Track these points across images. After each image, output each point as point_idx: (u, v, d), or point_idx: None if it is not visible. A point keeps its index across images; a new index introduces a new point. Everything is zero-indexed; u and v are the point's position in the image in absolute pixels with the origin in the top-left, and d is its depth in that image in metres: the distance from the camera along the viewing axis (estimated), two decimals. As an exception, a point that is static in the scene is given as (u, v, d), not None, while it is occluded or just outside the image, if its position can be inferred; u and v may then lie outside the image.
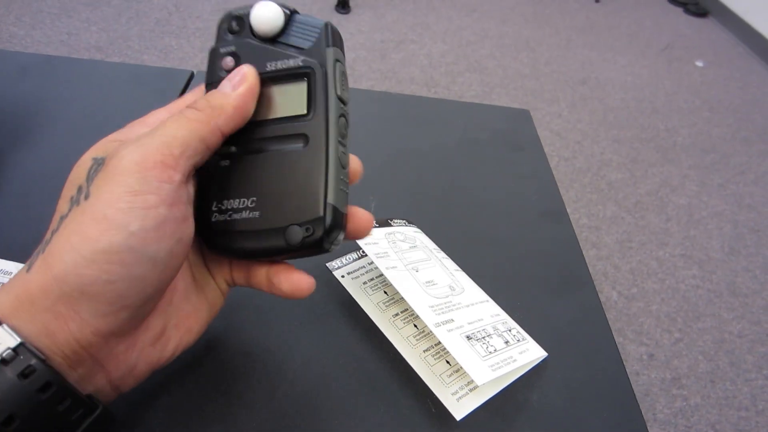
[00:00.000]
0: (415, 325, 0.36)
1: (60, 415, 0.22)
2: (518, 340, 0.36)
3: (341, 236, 0.27)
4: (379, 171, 0.49)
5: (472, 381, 0.32)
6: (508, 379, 0.34)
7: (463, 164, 0.54)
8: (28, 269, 0.23)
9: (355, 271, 0.40)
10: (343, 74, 0.28)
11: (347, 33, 2.35)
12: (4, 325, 0.21)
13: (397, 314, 0.37)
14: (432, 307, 0.35)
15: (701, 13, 3.19)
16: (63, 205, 0.24)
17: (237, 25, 0.29)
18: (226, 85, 0.27)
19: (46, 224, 0.25)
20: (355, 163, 0.29)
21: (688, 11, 3.21)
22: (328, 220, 0.26)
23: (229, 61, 0.28)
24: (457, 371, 0.34)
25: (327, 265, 0.39)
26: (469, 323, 0.35)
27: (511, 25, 2.71)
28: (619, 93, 2.34)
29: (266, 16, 0.28)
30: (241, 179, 0.27)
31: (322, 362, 0.34)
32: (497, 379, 0.33)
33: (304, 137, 0.27)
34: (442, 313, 0.34)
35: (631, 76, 2.48)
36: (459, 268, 0.40)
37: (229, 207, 0.27)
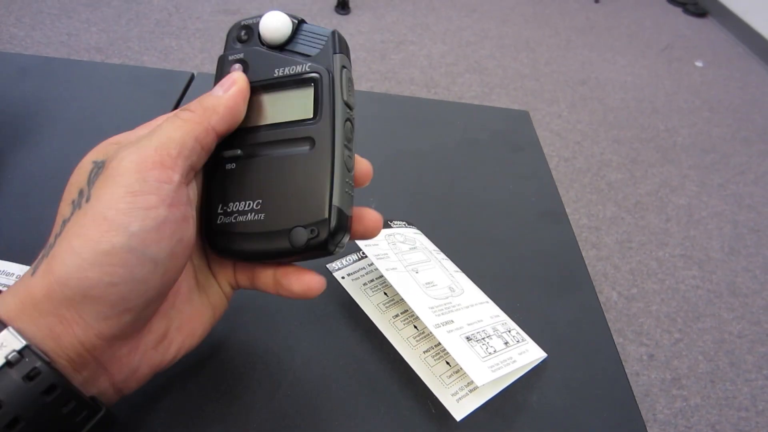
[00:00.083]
0: (415, 326, 0.37)
1: (64, 418, 0.22)
2: (518, 341, 0.36)
3: (346, 239, 0.27)
4: (379, 172, 0.49)
5: (472, 382, 0.32)
6: (507, 379, 0.35)
7: (462, 165, 0.54)
8: (33, 273, 0.23)
9: (355, 272, 0.40)
10: (350, 80, 0.29)
11: (347, 34, 2.35)
12: (10, 328, 0.21)
13: (397, 315, 0.37)
14: (432, 308, 0.35)
15: (701, 14, 3.19)
16: (65, 209, 0.24)
17: (246, 34, 0.30)
18: (217, 89, 0.27)
19: (46, 225, 0.25)
20: (365, 165, 0.29)
21: (687, 11, 3.21)
22: (333, 222, 0.26)
23: (237, 68, 0.29)
24: (457, 372, 0.34)
25: (327, 266, 0.39)
26: (468, 324, 0.35)
27: (510, 25, 2.71)
28: (618, 93, 2.34)
29: (275, 24, 0.28)
30: (246, 182, 0.27)
31: (323, 363, 0.34)
32: (497, 380, 0.33)
33: (311, 140, 0.27)
34: (442, 314, 0.35)
35: (631, 77, 2.48)
36: (459, 270, 0.41)
37: (234, 209, 0.27)
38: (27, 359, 0.21)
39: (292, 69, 0.28)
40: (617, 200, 1.78)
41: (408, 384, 0.34)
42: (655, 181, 1.90)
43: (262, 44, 0.29)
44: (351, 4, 2.51)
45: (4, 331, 0.21)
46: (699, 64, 2.69)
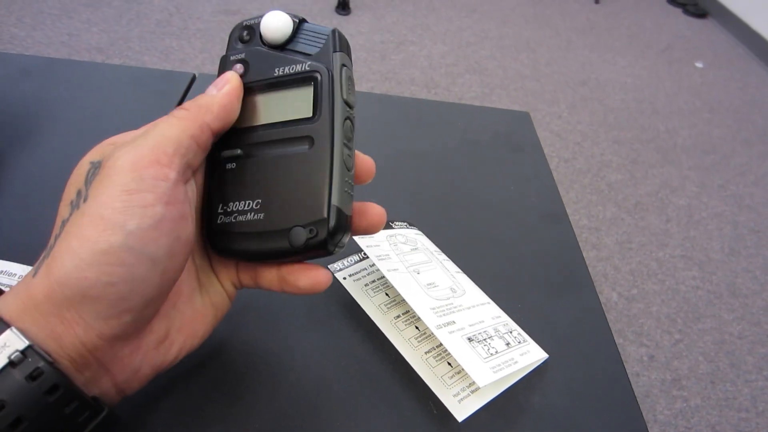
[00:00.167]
0: (417, 327, 0.37)
1: (67, 418, 0.22)
2: (519, 342, 0.36)
3: (346, 238, 0.27)
4: (379, 173, 0.49)
5: (474, 383, 0.32)
6: (509, 380, 0.35)
7: (463, 166, 0.54)
8: (34, 274, 0.23)
9: (356, 273, 0.40)
10: (350, 78, 0.29)
11: (347, 34, 2.33)
12: (13, 328, 0.21)
13: (398, 316, 0.37)
14: (433, 309, 0.35)
15: (701, 14, 3.19)
16: (64, 210, 0.24)
17: (248, 34, 0.30)
18: (211, 88, 0.28)
19: (47, 225, 0.25)
20: (368, 162, 0.29)
21: (687, 12, 3.21)
22: (332, 221, 0.26)
23: (238, 67, 0.29)
24: (458, 373, 0.34)
25: (329, 266, 0.39)
26: (470, 325, 0.35)
27: (511, 26, 2.71)
28: (619, 94, 2.34)
29: (275, 24, 0.29)
30: (246, 181, 0.27)
31: (324, 364, 0.34)
32: (499, 381, 0.33)
33: (310, 139, 0.27)
34: (444, 315, 0.35)
35: (631, 77, 2.48)
36: (460, 270, 0.41)
37: (234, 209, 0.27)
38: (30, 359, 0.21)
39: (292, 68, 0.28)
40: (617, 201, 1.78)
41: (409, 385, 0.34)
42: (656, 181, 1.90)
43: (264, 44, 0.29)
44: (351, 5, 2.51)
45: (7, 332, 0.21)
46: (699, 65, 2.69)
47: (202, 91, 0.28)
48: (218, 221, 0.28)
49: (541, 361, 0.36)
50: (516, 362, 0.34)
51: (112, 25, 2.10)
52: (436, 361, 0.35)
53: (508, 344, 0.35)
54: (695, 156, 2.06)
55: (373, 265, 0.40)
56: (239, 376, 0.33)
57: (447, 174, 0.52)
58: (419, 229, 0.44)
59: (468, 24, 2.65)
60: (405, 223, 0.43)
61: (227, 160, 0.28)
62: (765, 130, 2.28)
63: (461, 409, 0.32)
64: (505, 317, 0.38)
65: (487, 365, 0.32)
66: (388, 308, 0.37)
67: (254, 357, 0.34)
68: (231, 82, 0.28)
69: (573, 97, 2.26)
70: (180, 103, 0.53)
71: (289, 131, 0.27)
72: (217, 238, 0.28)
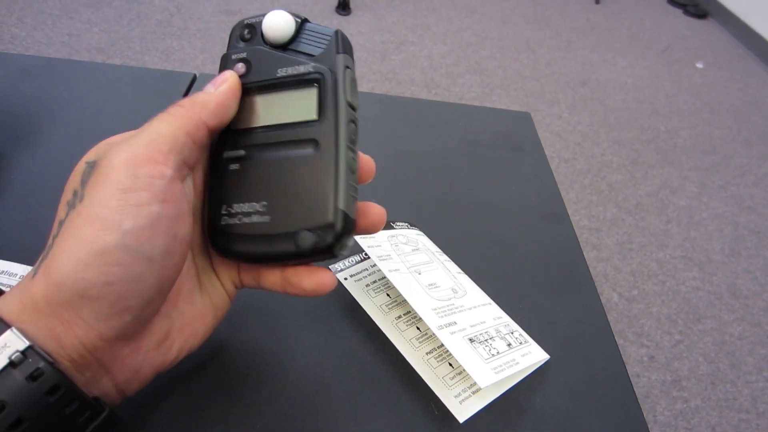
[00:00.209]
0: (418, 328, 0.36)
1: (67, 418, 0.22)
2: (520, 343, 0.36)
3: (350, 241, 0.27)
4: (380, 173, 0.49)
5: (475, 383, 0.32)
6: (510, 381, 0.34)
7: (464, 167, 0.54)
8: (33, 275, 0.23)
9: (358, 273, 0.40)
10: (353, 80, 0.29)
11: (347, 34, 2.35)
12: (13, 328, 0.21)
13: (399, 316, 0.37)
14: (435, 309, 0.35)
15: (701, 15, 3.19)
16: (61, 211, 0.24)
17: (249, 33, 0.29)
18: (209, 86, 0.27)
19: (47, 225, 0.25)
20: (368, 162, 0.29)
21: (687, 13, 3.21)
22: (339, 226, 0.26)
23: (240, 66, 0.29)
24: (459, 374, 0.34)
25: (330, 267, 0.39)
26: (471, 326, 0.35)
27: (511, 26, 2.71)
28: (619, 94, 2.34)
29: (278, 23, 0.28)
30: (251, 183, 0.27)
31: (325, 364, 0.34)
32: (500, 382, 0.33)
33: (314, 142, 0.27)
34: (445, 315, 0.35)
35: (632, 78, 2.48)
36: (461, 271, 0.41)
37: (238, 210, 0.27)
38: (30, 360, 0.21)
39: (295, 69, 0.28)
40: (618, 201, 1.78)
41: (411, 385, 0.34)
42: (656, 182, 1.90)
43: (265, 43, 0.29)
44: (351, 5, 2.51)
45: (8, 332, 0.21)
46: (699, 65, 2.69)
47: (203, 91, 0.28)
48: (222, 222, 0.27)
49: (543, 362, 0.36)
50: (517, 363, 0.34)
51: (113, 26, 2.10)
52: (438, 361, 0.35)
53: (509, 345, 0.35)
54: (695, 156, 2.06)
55: (375, 265, 0.40)
56: (240, 376, 0.33)
57: (448, 174, 0.52)
58: (420, 229, 0.44)
59: (468, 24, 2.65)
60: (406, 224, 0.43)
61: (230, 161, 0.28)
62: (765, 130, 2.28)
63: (462, 410, 0.32)
64: (506, 318, 0.38)
65: (489, 366, 0.32)
66: (389, 309, 0.37)
67: (255, 357, 0.34)
68: (229, 80, 0.28)
69: (573, 98, 2.26)
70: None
71: (293, 133, 0.27)
72: (221, 239, 0.28)
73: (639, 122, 2.19)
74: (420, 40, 2.43)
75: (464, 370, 0.32)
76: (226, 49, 0.30)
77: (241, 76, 0.28)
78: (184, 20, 2.22)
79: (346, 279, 0.39)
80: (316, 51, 0.28)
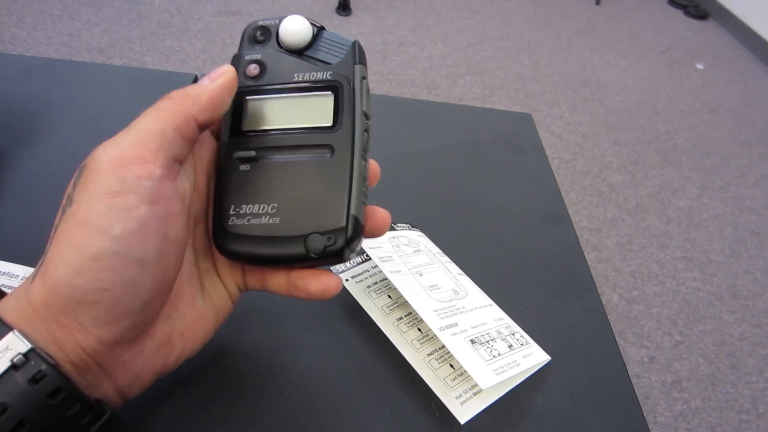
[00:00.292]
0: (419, 329, 0.36)
1: (69, 420, 0.22)
2: (522, 344, 0.36)
3: (359, 246, 0.27)
4: (381, 175, 0.49)
5: (476, 385, 0.32)
6: (511, 383, 0.34)
7: (465, 168, 0.54)
8: (33, 278, 0.23)
9: (359, 274, 0.40)
10: (368, 91, 0.29)
11: (348, 35, 2.35)
12: (15, 331, 0.21)
13: (401, 318, 0.37)
14: (436, 310, 0.35)
15: (701, 16, 3.19)
16: (58, 215, 0.24)
17: (262, 35, 0.30)
18: (204, 79, 0.27)
19: (48, 227, 0.25)
20: (375, 169, 0.29)
21: (688, 14, 3.21)
22: (350, 230, 0.26)
23: (253, 68, 0.29)
24: (461, 375, 0.34)
25: (331, 268, 0.39)
26: (473, 327, 0.35)
27: (512, 27, 2.71)
28: (619, 95, 2.34)
29: (296, 29, 0.29)
30: (262, 185, 0.27)
31: (326, 365, 0.34)
32: (501, 383, 0.33)
33: (330, 148, 0.27)
34: (446, 316, 0.35)
35: (632, 79, 2.48)
36: (462, 272, 0.41)
37: (248, 212, 0.27)
38: (32, 362, 0.21)
39: (313, 75, 0.28)
40: (618, 202, 1.78)
41: (412, 387, 0.34)
42: (656, 183, 1.90)
43: (280, 47, 0.29)
44: (352, 6, 2.51)
45: (9, 335, 0.21)
46: (700, 66, 2.69)
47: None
48: (229, 222, 0.27)
49: (544, 363, 0.36)
50: (518, 364, 0.34)
51: (113, 26, 2.10)
52: (439, 363, 0.35)
53: (510, 346, 0.35)
54: (696, 157, 2.06)
55: (376, 266, 0.40)
56: (241, 377, 0.33)
57: (449, 176, 0.52)
58: (421, 230, 0.44)
59: (469, 25, 2.65)
60: (407, 225, 0.43)
61: (241, 162, 0.28)
62: (765, 131, 2.28)
63: (463, 411, 0.32)
64: (507, 319, 0.38)
65: (490, 367, 0.32)
66: (390, 310, 0.37)
67: (256, 358, 0.34)
68: (226, 74, 0.27)
69: (574, 99, 2.26)
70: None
71: (307, 138, 0.27)
72: (228, 241, 0.27)
73: (639, 123, 2.19)
74: (420, 41, 2.43)
75: (465, 371, 0.32)
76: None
77: (254, 78, 0.29)
78: (185, 21, 2.22)
79: (347, 280, 0.39)
80: (333, 59, 0.29)
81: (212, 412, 0.31)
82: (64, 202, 0.24)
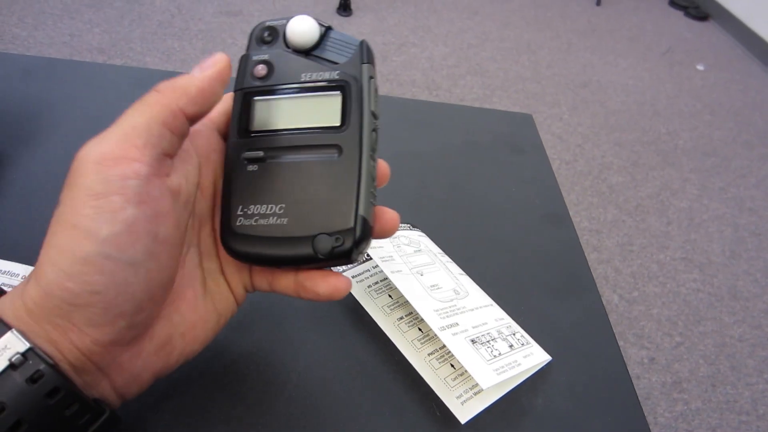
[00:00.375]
0: (420, 329, 0.36)
1: (67, 420, 0.22)
2: (522, 344, 0.36)
3: (367, 247, 0.27)
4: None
5: (477, 385, 0.32)
6: (512, 382, 0.34)
7: (466, 168, 0.54)
8: (29, 280, 0.22)
9: (360, 274, 0.40)
10: (376, 90, 0.29)
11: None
12: (14, 330, 0.21)
13: (401, 317, 0.37)
14: (437, 310, 0.35)
15: (702, 17, 3.19)
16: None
17: (269, 35, 0.30)
18: (195, 69, 0.26)
19: (47, 226, 0.24)
20: (384, 169, 0.29)
21: (688, 15, 3.21)
22: (359, 231, 0.25)
23: (261, 68, 0.29)
24: (461, 375, 0.34)
25: (332, 268, 0.39)
26: (473, 327, 0.35)
27: (512, 28, 2.71)
28: (620, 96, 2.34)
29: (303, 29, 0.29)
30: (270, 185, 0.27)
31: (327, 365, 0.34)
32: (502, 383, 0.33)
33: (338, 148, 0.27)
34: (447, 316, 0.35)
35: (632, 80, 2.48)
36: (463, 272, 0.41)
37: (256, 212, 0.27)
38: (30, 362, 0.21)
39: (320, 75, 0.28)
40: (618, 203, 1.78)
41: (412, 386, 0.33)
42: (656, 184, 1.90)
43: (288, 47, 0.29)
44: (353, 6, 2.52)
45: (8, 334, 0.21)
46: (700, 67, 2.69)
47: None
48: (237, 223, 0.27)
49: (545, 363, 0.36)
50: (519, 364, 0.34)
51: (114, 26, 2.10)
52: (439, 362, 0.35)
53: (511, 346, 0.35)
54: (696, 158, 2.06)
55: (377, 266, 0.40)
56: (242, 377, 0.33)
57: (449, 176, 0.52)
58: (422, 230, 0.44)
59: (469, 26, 2.65)
60: (408, 225, 0.43)
61: (249, 162, 0.27)
62: (766, 132, 2.28)
63: (464, 411, 0.32)
64: (508, 319, 0.38)
65: (491, 367, 0.32)
66: (391, 310, 0.37)
67: (257, 358, 0.34)
68: (217, 64, 0.26)
69: (574, 99, 2.26)
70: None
71: (316, 138, 0.27)
72: (236, 241, 0.27)
73: (640, 124, 2.19)
74: (421, 42, 2.43)
75: (466, 371, 0.32)
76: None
77: (261, 78, 0.29)
78: (185, 21, 2.22)
79: (347, 280, 0.39)
80: (340, 59, 0.29)
81: (212, 412, 0.31)
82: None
